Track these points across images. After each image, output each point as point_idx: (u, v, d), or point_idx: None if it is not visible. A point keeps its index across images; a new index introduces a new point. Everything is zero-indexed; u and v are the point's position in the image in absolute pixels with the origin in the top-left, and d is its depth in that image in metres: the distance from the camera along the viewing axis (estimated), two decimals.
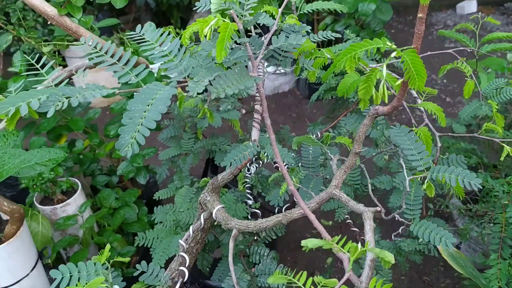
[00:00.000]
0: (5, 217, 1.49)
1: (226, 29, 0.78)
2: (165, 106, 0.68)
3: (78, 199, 1.72)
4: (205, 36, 0.83)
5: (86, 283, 0.74)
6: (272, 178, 1.28)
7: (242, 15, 0.90)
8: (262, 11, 1.07)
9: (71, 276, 0.84)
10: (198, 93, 0.75)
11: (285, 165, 0.90)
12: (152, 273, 1.06)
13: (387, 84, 0.94)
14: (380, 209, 0.84)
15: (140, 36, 0.94)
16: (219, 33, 0.79)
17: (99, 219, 1.75)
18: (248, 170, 1.35)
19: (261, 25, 1.07)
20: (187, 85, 0.79)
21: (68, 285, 0.83)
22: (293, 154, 1.20)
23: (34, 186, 1.63)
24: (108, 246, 0.88)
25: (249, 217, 1.33)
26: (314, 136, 1.30)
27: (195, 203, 1.43)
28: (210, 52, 0.90)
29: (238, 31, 0.86)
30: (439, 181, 0.90)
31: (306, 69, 1.08)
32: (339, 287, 0.61)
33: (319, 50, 1.09)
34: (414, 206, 1.07)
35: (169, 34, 0.93)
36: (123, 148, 0.65)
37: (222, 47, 0.78)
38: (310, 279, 0.64)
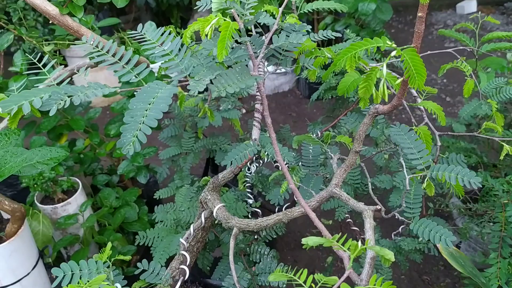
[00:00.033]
0: (6, 216, 1.49)
1: (227, 28, 0.79)
2: (166, 105, 0.69)
3: (78, 198, 1.73)
4: (206, 35, 0.83)
5: (88, 281, 0.74)
6: (273, 177, 1.28)
7: (243, 14, 0.90)
8: (262, 10, 1.07)
9: (72, 274, 0.85)
10: (199, 92, 0.75)
11: (285, 164, 0.90)
12: (153, 271, 1.06)
13: (387, 83, 0.94)
14: (380, 207, 0.85)
15: (141, 35, 0.94)
16: (220, 32, 0.80)
17: (100, 218, 1.76)
18: (249, 169, 1.35)
19: (261, 24, 1.07)
20: (188, 84, 0.80)
21: (69, 283, 0.83)
22: (293, 153, 1.21)
23: (35, 185, 1.64)
24: (109, 244, 0.88)
25: (250, 216, 1.34)
26: (315, 135, 1.30)
27: (195, 202, 1.43)
28: (211, 51, 0.90)
29: (239, 30, 0.86)
30: (438, 180, 0.91)
31: (306, 68, 1.09)
32: (339, 284, 0.61)
33: (319, 49, 1.09)
34: (414, 204, 1.08)
35: (170, 33, 0.93)
36: (125, 146, 0.65)
37: (223, 46, 0.78)
38: (311, 276, 0.64)
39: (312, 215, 0.77)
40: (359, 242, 0.63)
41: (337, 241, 0.64)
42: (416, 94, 1.18)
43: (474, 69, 1.41)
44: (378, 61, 1.52)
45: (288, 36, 0.95)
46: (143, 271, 1.07)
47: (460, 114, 1.38)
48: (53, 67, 0.97)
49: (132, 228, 1.76)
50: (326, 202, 1.34)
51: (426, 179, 0.93)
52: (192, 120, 1.61)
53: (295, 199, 0.86)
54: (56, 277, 0.85)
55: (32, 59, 0.89)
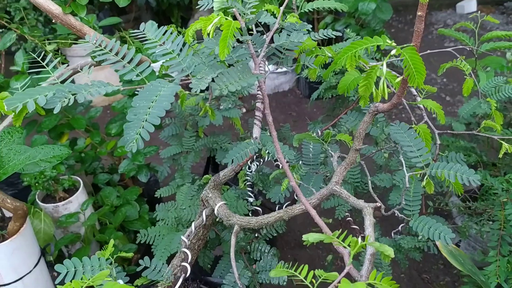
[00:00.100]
0: (8, 214, 1.50)
1: (229, 27, 0.79)
2: (169, 103, 0.69)
3: (80, 197, 1.74)
4: (208, 34, 0.84)
5: (91, 277, 0.75)
6: (273, 176, 1.29)
7: (244, 14, 0.91)
8: (263, 9, 1.08)
9: (75, 271, 0.86)
10: (200, 91, 0.76)
11: (286, 162, 0.91)
12: (154, 268, 1.07)
13: (387, 81, 0.95)
14: (380, 204, 0.85)
15: (143, 34, 0.95)
16: (221, 31, 0.80)
17: (101, 217, 1.76)
18: (249, 168, 1.36)
19: (262, 23, 1.08)
20: (189, 83, 0.80)
21: (72, 279, 0.84)
22: (293, 152, 1.21)
23: (36, 184, 1.65)
24: (112, 241, 0.89)
25: (250, 214, 1.34)
26: (315, 134, 1.31)
27: (196, 200, 1.44)
28: (212, 50, 0.91)
29: (240, 29, 0.87)
30: (438, 178, 0.91)
31: (306, 67, 1.10)
32: (339, 280, 0.62)
33: (320, 48, 1.10)
34: (414, 202, 1.08)
35: (171, 32, 0.94)
36: (128, 143, 0.66)
37: (225, 44, 0.79)
38: (311, 272, 0.65)
39: (313, 212, 0.78)
40: (359, 239, 0.64)
41: (337, 238, 0.65)
42: (416, 93, 1.19)
43: (473, 68, 1.41)
44: (378, 60, 1.53)
45: (289, 35, 0.96)
46: (145, 268, 1.08)
47: (460, 113, 1.38)
48: (55, 66, 0.97)
49: (133, 226, 1.77)
50: (327, 200, 1.35)
51: (425, 177, 0.94)
52: (193, 119, 1.62)
53: (296, 197, 0.86)
54: (59, 274, 0.85)
55: (36, 57, 0.90)
